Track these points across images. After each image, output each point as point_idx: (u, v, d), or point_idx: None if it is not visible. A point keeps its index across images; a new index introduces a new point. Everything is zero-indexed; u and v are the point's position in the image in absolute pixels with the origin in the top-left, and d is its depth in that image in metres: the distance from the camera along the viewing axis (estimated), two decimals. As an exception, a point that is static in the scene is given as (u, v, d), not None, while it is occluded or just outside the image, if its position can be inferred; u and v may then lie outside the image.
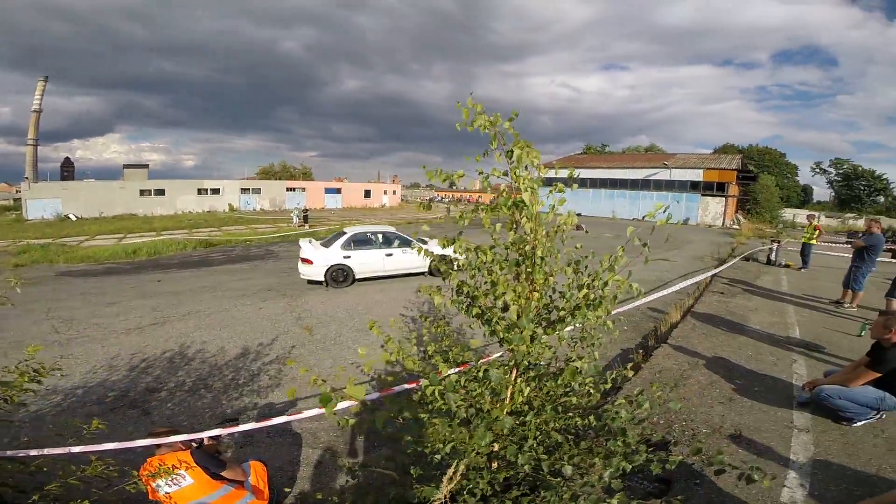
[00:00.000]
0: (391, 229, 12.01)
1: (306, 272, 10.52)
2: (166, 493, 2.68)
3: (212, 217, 37.71)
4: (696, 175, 39.50)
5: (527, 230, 2.33)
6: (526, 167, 2.32)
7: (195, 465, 2.75)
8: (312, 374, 2.34)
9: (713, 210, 38.72)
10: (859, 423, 4.02)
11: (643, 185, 42.35)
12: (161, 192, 45.52)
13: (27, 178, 47.56)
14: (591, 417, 2.49)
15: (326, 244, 11.09)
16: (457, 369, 2.77)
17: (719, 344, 6.31)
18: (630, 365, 3.29)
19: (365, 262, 10.93)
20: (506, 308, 2.39)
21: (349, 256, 10.71)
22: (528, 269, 2.34)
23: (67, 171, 63.92)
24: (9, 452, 2.36)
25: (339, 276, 10.59)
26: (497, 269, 2.34)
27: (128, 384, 5.54)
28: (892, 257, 15.99)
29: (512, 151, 2.24)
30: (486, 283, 2.50)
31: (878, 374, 3.95)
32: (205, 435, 3.02)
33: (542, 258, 2.35)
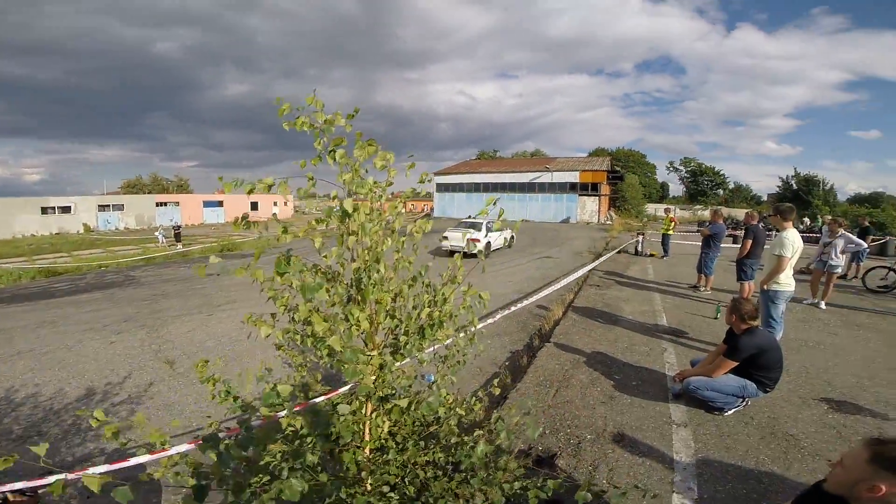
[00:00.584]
0: None
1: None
2: None
3: (60, 240, 32.35)
4: (574, 177, 43.25)
5: (349, 245, 2.08)
6: (366, 170, 2.11)
7: None
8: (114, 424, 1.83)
9: (589, 208, 42.68)
10: (729, 413, 4.21)
11: (529, 187, 45.30)
12: (-10, 213, 37.97)
13: None
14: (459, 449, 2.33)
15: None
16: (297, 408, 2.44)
17: (598, 338, 6.67)
18: (496, 381, 3.16)
19: None
20: (321, 339, 2.15)
21: None
22: (360, 292, 2.13)
23: None
24: None
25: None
26: (302, 294, 2.00)
27: None
28: (733, 242, 18.79)
29: (334, 152, 2.00)
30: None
31: (736, 363, 4.21)
32: (6, 489, 2.37)
33: (372, 279, 2.13)
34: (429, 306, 2.32)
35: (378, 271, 2.16)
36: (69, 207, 42.17)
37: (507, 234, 19.16)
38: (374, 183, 2.18)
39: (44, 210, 40.56)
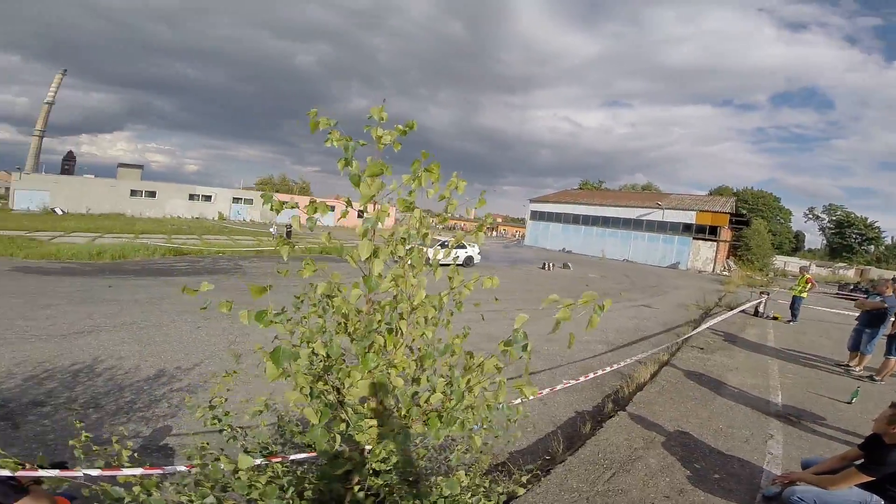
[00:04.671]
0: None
1: None
2: None
3: (197, 224, 37.09)
4: (689, 217, 39.31)
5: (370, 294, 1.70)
6: (410, 191, 1.74)
7: None
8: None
9: (704, 255, 38.40)
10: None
11: (636, 224, 42.08)
12: (152, 195, 45.07)
13: (18, 168, 47.26)
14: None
15: None
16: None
17: (686, 413, 5.58)
18: (522, 475, 2.53)
19: None
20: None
21: None
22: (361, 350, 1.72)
23: (68, 164, 63.64)
24: None
25: None
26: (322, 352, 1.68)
27: (16, 394, 4.91)
28: None
29: (358, 177, 1.64)
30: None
31: (871, 478, 3.18)
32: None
33: (379, 345, 1.73)
34: (441, 391, 1.83)
35: (382, 335, 1.74)
36: (210, 197, 48.44)
37: (463, 252, 19.71)
38: (423, 219, 1.79)
39: (191, 196, 47.12)
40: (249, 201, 51.18)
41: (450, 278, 1.94)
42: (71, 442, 1.70)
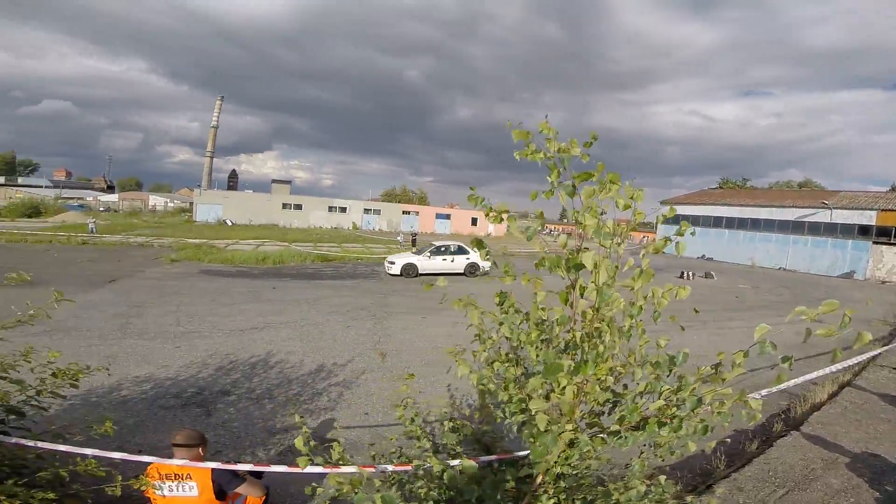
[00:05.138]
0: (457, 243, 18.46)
1: (390, 269, 16.44)
2: (164, 495, 2.52)
3: (336, 233, 41.10)
4: (868, 218, 32.61)
5: (580, 310, 1.67)
6: (602, 212, 1.71)
7: (211, 479, 2.57)
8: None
9: (889, 262, 31.54)
10: None
11: (795, 227, 36.14)
12: (299, 207, 51.16)
13: (199, 185, 57.43)
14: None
15: (418, 252, 17.29)
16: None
17: (877, 435, 4.75)
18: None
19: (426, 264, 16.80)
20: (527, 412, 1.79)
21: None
22: (575, 362, 1.70)
23: (232, 181, 75.46)
24: (13, 440, 2.44)
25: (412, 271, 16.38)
26: (533, 355, 1.70)
27: (208, 383, 5.87)
28: None
29: (573, 186, 1.64)
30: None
31: None
32: (241, 467, 2.79)
33: (599, 353, 1.69)
34: (664, 398, 1.77)
35: (603, 343, 1.73)
36: (345, 208, 53.43)
37: (464, 259, 17.31)
38: (616, 228, 1.76)
39: (329, 208, 52.48)
40: (378, 212, 55.29)
41: (633, 289, 1.85)
42: (297, 442, 1.95)
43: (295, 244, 26.44)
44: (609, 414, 1.96)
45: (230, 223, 44.65)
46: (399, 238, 30.86)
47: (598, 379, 1.74)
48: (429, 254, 17.16)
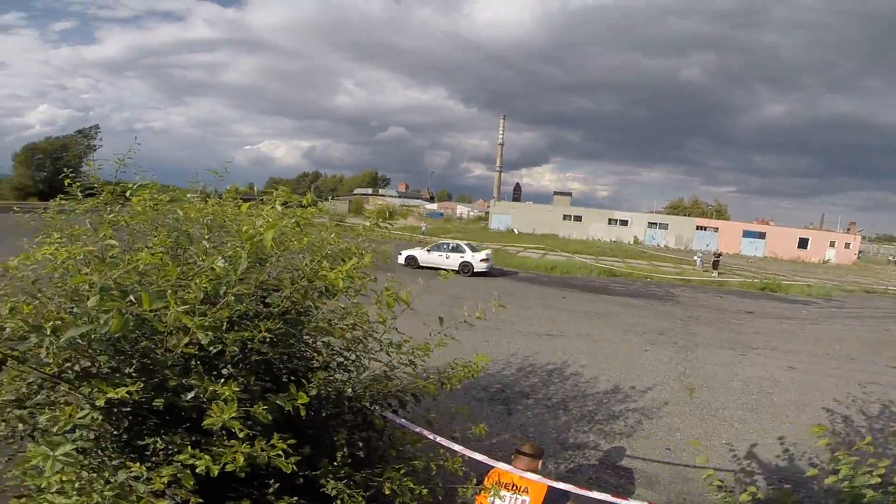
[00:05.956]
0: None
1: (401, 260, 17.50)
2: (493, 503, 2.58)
3: (617, 247, 39.49)
4: None
5: None
6: None
7: (544, 497, 2.54)
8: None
9: None
10: None
11: None
12: (578, 219, 51.65)
13: (492, 197, 65.30)
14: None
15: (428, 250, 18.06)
16: None
17: None
18: None
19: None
20: None
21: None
22: None
23: (517, 194, 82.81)
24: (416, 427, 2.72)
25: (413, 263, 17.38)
26: None
27: (510, 382, 6.28)
28: None
29: None
30: None
31: None
32: (572, 489, 2.71)
33: None
34: None
35: None
36: (626, 221, 50.85)
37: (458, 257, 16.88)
38: None
39: (609, 221, 50.94)
40: (664, 226, 50.38)
41: None
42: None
43: (577, 255, 26.62)
44: None
45: (517, 231, 48.73)
46: (696, 259, 27.05)
47: None
48: (427, 249, 18.40)
